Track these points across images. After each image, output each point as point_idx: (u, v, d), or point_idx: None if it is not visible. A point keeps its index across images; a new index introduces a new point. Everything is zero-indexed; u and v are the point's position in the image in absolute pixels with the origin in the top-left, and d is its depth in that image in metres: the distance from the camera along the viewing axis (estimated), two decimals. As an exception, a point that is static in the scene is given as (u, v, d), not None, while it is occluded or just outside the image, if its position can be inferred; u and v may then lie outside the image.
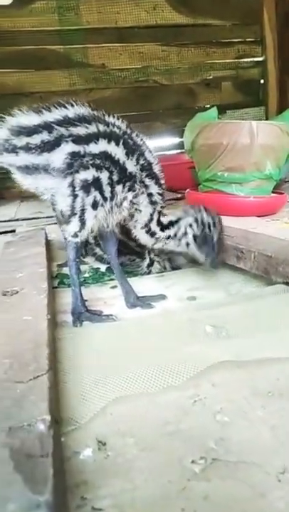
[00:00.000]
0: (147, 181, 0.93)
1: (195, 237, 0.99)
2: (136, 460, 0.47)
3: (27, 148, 0.84)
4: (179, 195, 2.58)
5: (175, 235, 1.00)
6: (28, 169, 0.86)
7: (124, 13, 3.78)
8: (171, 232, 1.00)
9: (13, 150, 0.84)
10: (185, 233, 0.99)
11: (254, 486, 0.43)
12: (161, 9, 3.87)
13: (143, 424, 0.52)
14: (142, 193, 0.93)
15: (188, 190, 1.97)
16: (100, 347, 0.73)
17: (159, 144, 4.13)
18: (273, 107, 4.16)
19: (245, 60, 4.19)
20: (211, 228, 0.99)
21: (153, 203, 0.95)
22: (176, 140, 4.18)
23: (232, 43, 4.12)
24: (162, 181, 0.97)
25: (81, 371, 0.63)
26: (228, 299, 0.97)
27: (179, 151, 4.20)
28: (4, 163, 0.88)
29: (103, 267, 1.33)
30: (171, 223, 1.00)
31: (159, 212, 0.98)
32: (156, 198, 0.96)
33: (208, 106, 4.21)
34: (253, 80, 4.22)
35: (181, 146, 4.21)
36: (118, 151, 0.87)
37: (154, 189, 0.95)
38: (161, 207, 0.98)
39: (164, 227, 0.99)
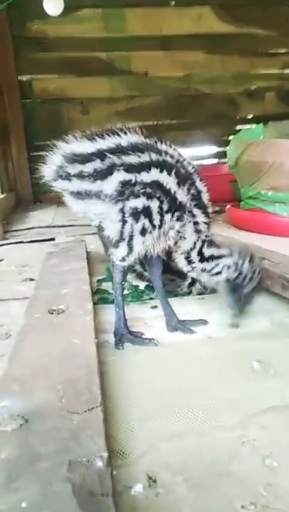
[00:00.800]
0: (195, 211, 0.93)
1: (228, 280, 0.98)
2: (186, 499, 0.48)
3: (80, 176, 0.86)
4: (217, 208, 2.57)
5: (210, 270, 0.98)
6: (80, 195, 0.88)
7: (170, 21, 3.80)
8: (207, 266, 0.98)
9: (67, 177, 0.87)
10: (220, 272, 0.98)
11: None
12: (207, 18, 3.87)
13: (192, 462, 0.53)
14: (189, 221, 0.94)
15: (229, 206, 1.97)
16: (144, 375, 0.74)
17: (197, 153, 4.14)
18: (317, 119, 4.08)
19: (290, 70, 4.12)
20: (246, 280, 0.97)
21: (198, 231, 0.95)
22: (215, 149, 4.16)
23: (277, 53, 4.07)
24: (209, 210, 0.97)
25: (128, 402, 0.65)
26: (273, 329, 0.96)
27: (216, 160, 4.20)
28: (57, 187, 0.91)
29: (142, 285, 1.35)
30: (212, 257, 0.98)
31: (203, 242, 0.97)
32: (202, 227, 0.96)
33: (250, 116, 4.18)
34: (298, 91, 4.16)
35: (219, 155, 4.19)
36: (170, 181, 0.87)
37: (200, 218, 0.95)
38: (206, 236, 0.98)
39: (203, 259, 0.98)
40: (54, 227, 2.57)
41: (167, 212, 0.89)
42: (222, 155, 4.20)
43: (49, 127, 3.78)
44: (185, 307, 1.16)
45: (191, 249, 0.96)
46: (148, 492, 0.49)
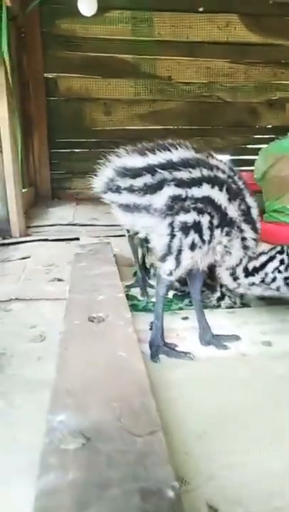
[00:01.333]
0: (244, 226, 0.93)
1: (286, 279, 0.97)
2: (248, 533, 0.47)
3: (130, 190, 0.87)
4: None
5: (262, 281, 0.98)
6: (129, 208, 0.89)
7: (197, 28, 3.80)
8: (255, 279, 0.98)
9: (117, 190, 0.88)
10: (274, 278, 0.97)
11: None
12: (234, 26, 3.86)
13: (250, 494, 0.52)
14: (237, 237, 0.93)
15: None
16: (186, 394, 0.73)
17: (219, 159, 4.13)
18: None
19: (312, 82, 4.11)
20: None
21: (245, 247, 0.95)
22: (234, 158, 4.15)
23: (301, 65, 4.06)
24: (258, 226, 0.96)
25: (176, 423, 0.64)
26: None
27: (236, 168, 4.19)
28: (107, 199, 0.92)
29: (170, 293, 1.34)
30: (256, 269, 0.98)
31: (249, 258, 0.97)
32: (250, 243, 0.95)
33: (270, 126, 4.17)
34: None
35: (238, 163, 4.18)
36: (221, 197, 0.87)
37: (249, 234, 0.95)
38: (253, 253, 0.98)
39: (248, 274, 0.98)
40: (75, 225, 2.57)
41: (217, 227, 0.89)
42: (241, 163, 4.19)
43: (71, 125, 3.81)
44: (216, 320, 1.14)
45: (237, 265, 0.96)
46: (211, 522, 0.48)
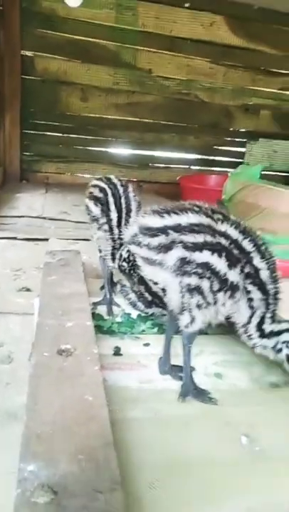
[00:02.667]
0: (250, 287, 0.97)
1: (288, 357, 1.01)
2: None
3: (148, 247, 0.96)
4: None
5: (273, 347, 1.02)
6: (148, 261, 0.97)
7: (181, 23, 3.78)
8: (268, 343, 1.02)
9: (138, 244, 0.98)
10: (280, 349, 1.01)
11: None
12: (218, 27, 3.87)
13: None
14: (243, 297, 0.98)
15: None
16: (143, 433, 0.83)
17: (188, 157, 4.20)
18: (305, 145, 4.23)
19: (288, 92, 4.23)
20: None
21: (252, 307, 0.99)
22: (205, 157, 4.24)
23: (279, 73, 4.15)
24: (269, 287, 0.98)
25: (132, 472, 0.73)
26: (255, 386, 1.07)
27: (205, 168, 4.28)
28: (131, 250, 1.04)
29: (135, 314, 1.42)
30: (272, 333, 1.01)
31: (262, 318, 1.00)
32: (257, 303, 0.99)
33: (243, 130, 4.27)
34: (292, 115, 4.28)
35: (208, 163, 4.28)
36: (220, 263, 0.93)
37: (256, 295, 0.98)
38: (264, 312, 1.00)
39: (263, 335, 1.02)
40: (44, 218, 2.58)
41: (219, 290, 0.94)
42: (211, 163, 4.29)
43: (46, 108, 3.74)
44: (174, 348, 1.24)
45: (248, 323, 1.01)
46: None
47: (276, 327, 1.01)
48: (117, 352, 1.19)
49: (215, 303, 0.96)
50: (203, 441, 0.85)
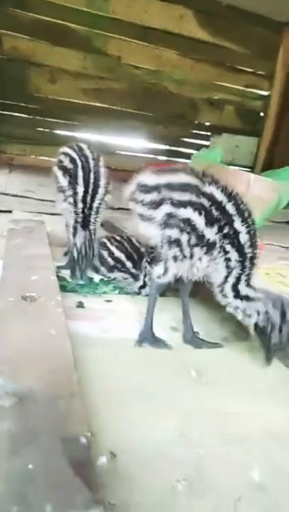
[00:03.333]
0: (228, 248, 1.01)
1: (256, 325, 1.03)
2: (137, 473, 0.65)
3: (142, 203, 1.06)
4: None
5: (244, 310, 1.04)
6: (142, 217, 1.08)
7: (152, 14, 3.85)
8: (240, 305, 1.04)
9: (135, 201, 1.08)
10: (251, 315, 1.03)
11: (220, 507, 0.62)
12: (187, 20, 3.98)
13: (143, 447, 0.70)
14: (221, 257, 1.02)
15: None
16: (107, 370, 0.89)
17: (153, 147, 4.28)
18: (266, 141, 4.42)
19: (252, 90, 4.41)
20: (275, 331, 1.00)
21: (228, 267, 1.02)
22: (170, 148, 4.34)
23: (244, 71, 4.32)
24: (247, 250, 1.01)
25: (92, 390, 0.79)
26: (208, 339, 1.16)
27: (171, 159, 4.38)
28: (130, 207, 1.12)
29: (97, 278, 1.48)
30: (247, 297, 1.03)
31: (237, 279, 1.03)
32: (234, 264, 1.01)
33: (208, 124, 4.41)
34: (254, 111, 4.46)
35: (174, 154, 4.38)
36: (199, 221, 0.99)
37: (233, 256, 1.01)
38: (240, 273, 1.02)
39: (238, 296, 1.04)
40: (7, 194, 2.56)
41: (196, 246, 1.01)
42: (177, 155, 4.39)
43: (13, 88, 3.69)
44: (136, 306, 1.32)
45: (223, 283, 1.04)
46: (110, 464, 0.65)
47: (251, 293, 1.03)
48: (81, 305, 1.24)
49: (191, 257, 1.02)
50: (156, 373, 0.93)
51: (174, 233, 1.02)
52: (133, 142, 4.25)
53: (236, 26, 4.11)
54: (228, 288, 1.04)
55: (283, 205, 1.96)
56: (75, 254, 1.39)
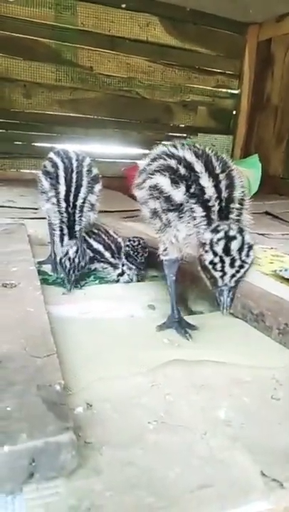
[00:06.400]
0: (194, 207, 0.91)
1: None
2: (111, 418, 0.71)
3: (139, 187, 1.10)
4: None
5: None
6: (141, 202, 1.11)
7: (119, 23, 3.97)
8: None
9: (135, 187, 1.13)
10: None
11: (186, 440, 0.68)
12: (154, 27, 4.10)
13: (116, 397, 0.76)
14: (188, 216, 0.92)
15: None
16: (80, 337, 0.96)
17: (132, 152, 4.38)
18: (241, 138, 4.55)
19: (222, 90, 4.53)
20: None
21: (195, 226, 0.91)
22: (149, 152, 4.44)
23: (213, 72, 4.45)
24: (212, 203, 0.89)
25: (68, 353, 0.86)
26: (183, 314, 1.22)
27: (149, 162, 4.47)
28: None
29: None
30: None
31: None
32: (199, 220, 0.90)
33: (183, 126, 4.52)
34: (226, 110, 4.58)
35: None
36: (165, 182, 0.94)
37: (198, 213, 0.90)
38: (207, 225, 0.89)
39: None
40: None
41: (168, 211, 0.95)
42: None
43: (-10, 105, 3.76)
44: (115, 291, 1.38)
45: (198, 233, 0.91)
46: (86, 412, 0.71)
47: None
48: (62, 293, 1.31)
49: (169, 224, 0.96)
50: (132, 340, 1.00)
51: (150, 204, 1.02)
52: (111, 149, 4.35)
53: (202, 29, 4.25)
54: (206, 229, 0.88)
55: (253, 192, 2.04)
56: (67, 265, 1.33)
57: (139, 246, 1.43)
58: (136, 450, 0.65)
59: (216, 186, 0.91)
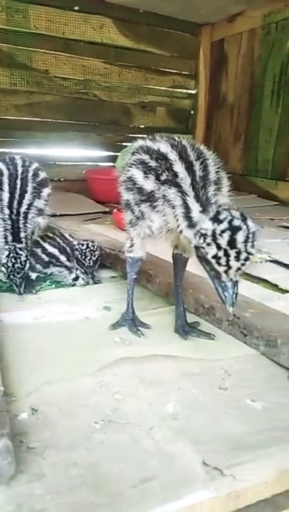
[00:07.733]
0: (169, 192, 0.88)
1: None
2: (57, 421, 0.71)
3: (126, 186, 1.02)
4: (108, 209, 2.83)
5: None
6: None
7: (72, 26, 3.95)
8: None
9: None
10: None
11: (133, 436, 0.69)
12: (108, 29, 4.10)
13: (64, 400, 0.76)
14: (163, 204, 0.90)
15: (115, 210, 2.23)
16: (37, 345, 0.95)
17: (93, 155, 4.36)
18: (199, 137, 4.62)
19: (179, 90, 4.59)
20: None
21: (173, 207, 0.88)
22: (109, 154, 4.44)
23: (169, 72, 4.49)
24: (185, 186, 0.86)
25: (19, 361, 0.85)
26: (139, 313, 1.23)
27: (110, 164, 4.47)
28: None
29: (34, 275, 1.53)
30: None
31: (187, 213, 0.86)
32: (178, 202, 0.87)
33: (142, 126, 4.55)
34: (185, 110, 4.64)
35: (112, 159, 4.47)
36: (138, 174, 0.94)
37: (177, 202, 0.87)
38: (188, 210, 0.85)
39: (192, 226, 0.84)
40: None
41: (141, 202, 0.93)
42: (115, 159, 4.49)
43: None
44: (70, 293, 1.38)
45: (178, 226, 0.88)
46: (31, 417, 0.71)
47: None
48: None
49: (143, 216, 0.94)
50: (82, 343, 0.99)
51: (124, 196, 1.00)
52: (72, 152, 4.32)
53: (156, 31, 4.29)
54: (183, 226, 0.85)
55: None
56: (4, 270, 1.33)
57: (88, 249, 1.42)
58: (81, 451, 0.65)
59: (189, 169, 0.88)
